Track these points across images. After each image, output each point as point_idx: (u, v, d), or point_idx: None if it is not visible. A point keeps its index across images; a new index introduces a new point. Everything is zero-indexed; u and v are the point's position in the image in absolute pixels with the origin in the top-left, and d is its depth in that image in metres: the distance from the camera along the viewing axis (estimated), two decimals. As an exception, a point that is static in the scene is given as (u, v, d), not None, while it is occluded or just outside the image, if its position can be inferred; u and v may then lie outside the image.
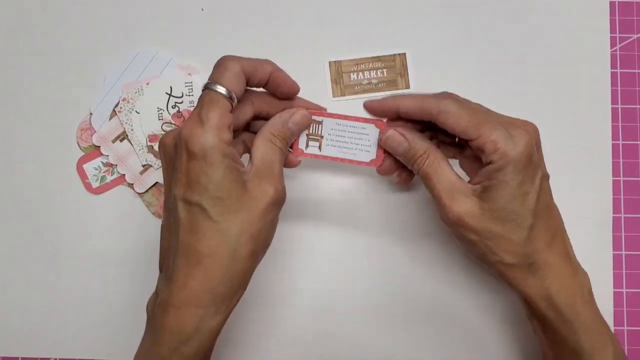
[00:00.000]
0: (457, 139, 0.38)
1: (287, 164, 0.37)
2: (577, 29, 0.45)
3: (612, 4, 0.45)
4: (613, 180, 0.44)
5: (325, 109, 0.39)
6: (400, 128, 0.37)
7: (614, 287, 0.44)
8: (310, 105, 0.39)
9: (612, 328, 0.43)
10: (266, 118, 0.37)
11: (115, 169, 0.45)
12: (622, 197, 0.44)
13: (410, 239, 0.44)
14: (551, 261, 0.34)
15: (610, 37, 0.45)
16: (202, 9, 0.46)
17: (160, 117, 0.45)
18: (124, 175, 0.45)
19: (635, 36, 0.45)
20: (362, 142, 0.38)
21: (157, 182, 0.44)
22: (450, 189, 0.35)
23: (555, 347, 0.35)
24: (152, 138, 0.44)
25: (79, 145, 0.45)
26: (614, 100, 0.45)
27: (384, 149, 0.38)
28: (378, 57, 0.45)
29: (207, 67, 0.45)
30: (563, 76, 0.45)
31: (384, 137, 0.37)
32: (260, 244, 0.33)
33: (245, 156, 0.37)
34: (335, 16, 0.46)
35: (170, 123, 0.45)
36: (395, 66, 0.45)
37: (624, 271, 0.44)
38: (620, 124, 0.45)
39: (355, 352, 0.43)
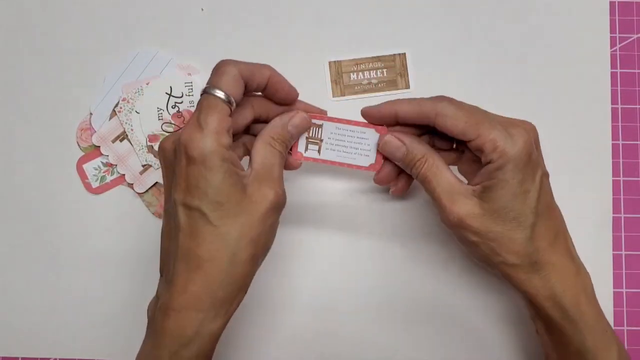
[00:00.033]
0: (454, 145, 0.38)
1: (288, 166, 0.37)
2: (577, 29, 0.45)
3: (612, 4, 0.45)
4: (613, 180, 0.44)
5: (326, 112, 0.39)
6: (398, 133, 0.37)
7: (614, 287, 0.44)
8: (311, 108, 0.38)
9: (612, 328, 0.43)
10: (266, 121, 0.37)
11: (115, 169, 0.45)
12: (622, 197, 0.44)
13: (410, 241, 0.44)
14: (554, 260, 0.34)
15: (610, 37, 0.45)
16: (202, 9, 0.46)
17: (160, 117, 0.45)
18: (124, 175, 0.45)
19: (635, 36, 0.45)
20: (362, 146, 0.38)
21: (157, 182, 0.44)
22: (450, 191, 0.34)
23: (560, 347, 0.35)
24: (152, 138, 0.44)
25: (79, 145, 0.45)
26: (614, 100, 0.45)
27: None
28: (378, 57, 0.45)
29: (207, 67, 0.45)
30: (563, 76, 0.45)
31: (382, 142, 0.37)
32: (260, 247, 0.33)
33: (245, 159, 0.37)
34: (335, 16, 0.46)
35: (170, 123, 0.45)
36: (395, 66, 0.45)
37: (624, 271, 0.44)
38: (620, 124, 0.45)
39: (356, 351, 0.43)
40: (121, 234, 0.45)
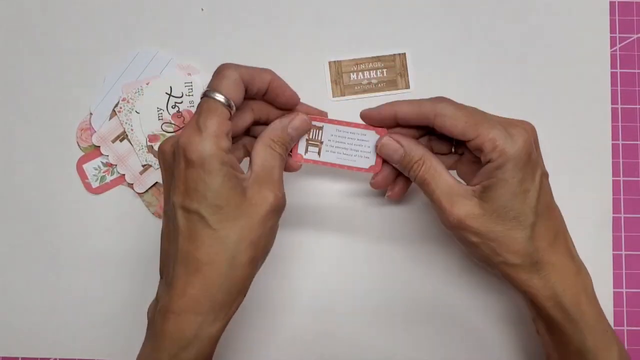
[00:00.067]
0: (453, 149, 0.38)
1: (287, 168, 0.37)
2: (577, 29, 0.45)
3: (612, 4, 0.45)
4: (613, 180, 0.44)
5: (326, 114, 0.39)
6: (396, 135, 0.37)
7: (614, 287, 0.44)
8: (311, 110, 0.38)
9: (612, 328, 0.43)
10: (266, 123, 0.37)
11: (115, 169, 0.45)
12: (622, 197, 0.44)
13: (410, 242, 0.44)
14: (554, 260, 0.34)
15: (610, 37, 0.45)
16: (202, 9, 0.46)
17: (160, 117, 0.45)
18: (124, 175, 0.45)
19: (635, 36, 0.45)
20: (362, 148, 0.38)
21: (157, 182, 0.44)
22: (449, 192, 0.34)
23: (561, 347, 0.35)
24: (152, 138, 0.44)
25: (79, 145, 0.45)
26: (614, 100, 0.45)
27: None
28: (378, 57, 0.45)
29: (207, 67, 0.45)
30: (563, 76, 0.45)
31: (379, 144, 0.37)
32: (260, 250, 0.33)
33: (245, 162, 0.36)
34: (335, 16, 0.46)
35: (170, 123, 0.45)
36: (395, 66, 0.45)
37: (624, 271, 0.44)
38: (620, 124, 0.45)
39: (356, 352, 0.43)
40: (121, 234, 0.45)
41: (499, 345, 0.43)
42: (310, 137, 0.38)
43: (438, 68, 0.45)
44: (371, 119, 0.37)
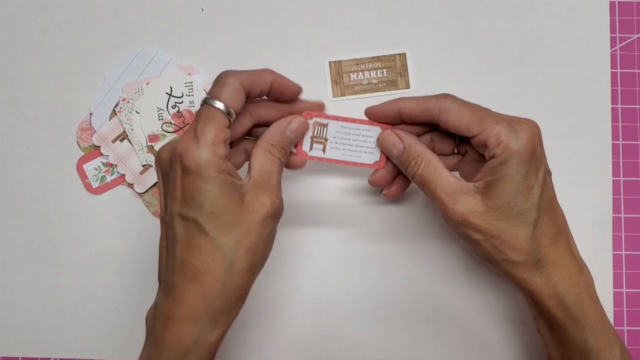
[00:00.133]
0: (455, 150, 0.38)
1: (292, 165, 0.37)
2: (577, 29, 0.45)
3: (612, 4, 0.45)
4: (613, 180, 0.44)
5: (323, 104, 0.39)
6: (398, 130, 0.37)
7: (614, 287, 0.44)
8: (309, 105, 0.38)
9: (612, 328, 0.43)
10: (267, 124, 0.37)
11: (115, 169, 0.45)
12: (622, 197, 0.44)
13: (410, 240, 0.44)
14: (557, 258, 0.34)
15: (610, 37, 0.45)
16: (202, 9, 0.46)
17: (160, 117, 0.45)
18: (124, 175, 0.45)
19: (635, 36, 0.45)
20: (367, 144, 0.38)
21: (157, 182, 0.44)
22: (451, 190, 0.34)
23: (562, 347, 0.35)
24: (152, 138, 0.44)
25: (79, 145, 0.45)
26: (614, 100, 0.45)
27: None
28: (378, 57, 0.45)
29: (207, 67, 0.45)
30: (563, 76, 0.45)
31: (380, 137, 0.37)
32: (258, 256, 0.33)
33: (245, 166, 0.36)
34: (335, 16, 0.46)
35: (170, 123, 0.45)
36: (395, 66, 0.45)
37: (624, 271, 0.44)
38: (620, 124, 0.45)
39: (356, 352, 0.43)
40: (121, 234, 0.45)
41: (499, 344, 0.43)
42: (315, 134, 0.38)
43: (438, 68, 0.45)
44: (376, 116, 0.37)
